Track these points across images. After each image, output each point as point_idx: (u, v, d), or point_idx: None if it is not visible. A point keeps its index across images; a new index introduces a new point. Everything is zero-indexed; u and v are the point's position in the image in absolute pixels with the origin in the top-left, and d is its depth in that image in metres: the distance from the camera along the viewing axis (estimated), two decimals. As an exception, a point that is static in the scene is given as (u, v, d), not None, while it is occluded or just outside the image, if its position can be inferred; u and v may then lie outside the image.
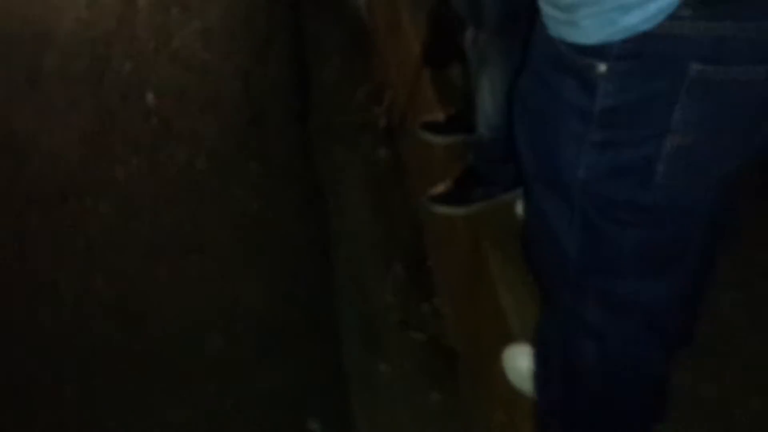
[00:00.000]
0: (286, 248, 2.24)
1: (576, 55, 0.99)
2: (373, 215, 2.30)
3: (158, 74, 2.92)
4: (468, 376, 1.74)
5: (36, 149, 2.62)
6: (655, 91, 0.96)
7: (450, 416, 1.67)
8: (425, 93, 2.40)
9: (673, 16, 0.91)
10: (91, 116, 2.74)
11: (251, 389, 1.84)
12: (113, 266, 2.21)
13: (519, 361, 1.51)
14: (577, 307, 1.16)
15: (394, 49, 2.77)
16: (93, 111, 2.76)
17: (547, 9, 1.03)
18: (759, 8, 0.91)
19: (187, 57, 3.02)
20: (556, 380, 1.26)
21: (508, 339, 1.56)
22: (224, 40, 3.11)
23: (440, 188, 2.08)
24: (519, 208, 1.88)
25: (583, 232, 1.08)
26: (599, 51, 0.96)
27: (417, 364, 1.80)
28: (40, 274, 2.19)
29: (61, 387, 1.88)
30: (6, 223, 2.35)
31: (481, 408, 1.65)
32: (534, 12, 1.16)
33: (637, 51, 0.94)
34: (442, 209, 2.05)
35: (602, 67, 0.97)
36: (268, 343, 1.95)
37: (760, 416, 1.38)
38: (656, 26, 0.92)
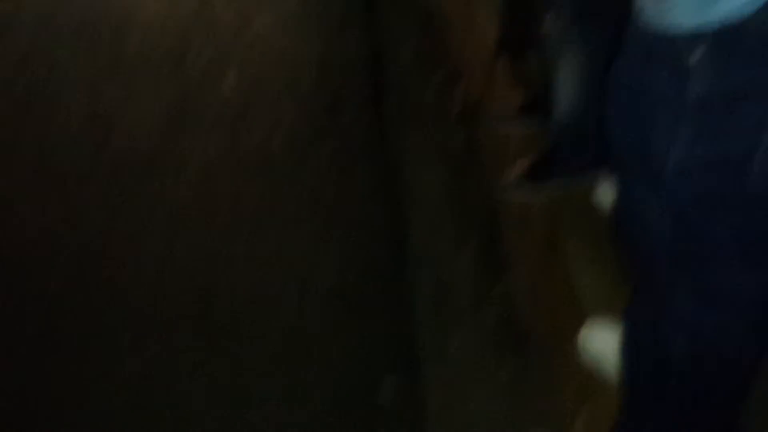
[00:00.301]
0: (361, 226, 2.27)
1: (670, 40, 0.96)
2: (448, 197, 2.32)
3: (237, 59, 3.00)
4: (540, 354, 1.75)
5: (120, 128, 2.72)
6: (752, 80, 0.92)
7: (520, 392, 1.67)
8: (501, 77, 2.40)
9: None
10: (172, 98, 2.83)
11: (324, 357, 1.88)
12: (192, 239, 2.28)
13: (597, 343, 1.51)
14: (667, 297, 1.14)
15: (470, 33, 2.77)
16: (174, 93, 2.85)
17: None
18: None
19: (265, 42, 3.08)
20: (643, 367, 1.24)
21: (583, 320, 1.56)
22: (301, 26, 3.17)
23: (516, 172, 2.08)
24: (598, 193, 1.87)
25: (675, 222, 1.05)
26: (694, 36, 0.93)
27: (488, 340, 1.81)
28: (122, 244, 2.28)
29: (141, 347, 1.95)
30: (91, 195, 2.45)
31: (551, 386, 1.65)
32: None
33: (733, 37, 0.90)
34: (519, 192, 2.05)
35: (697, 54, 0.93)
36: (341, 315, 1.98)
37: None
38: (755, 11, 0.88)
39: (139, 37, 3.16)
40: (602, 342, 1.49)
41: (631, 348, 1.30)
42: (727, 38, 0.91)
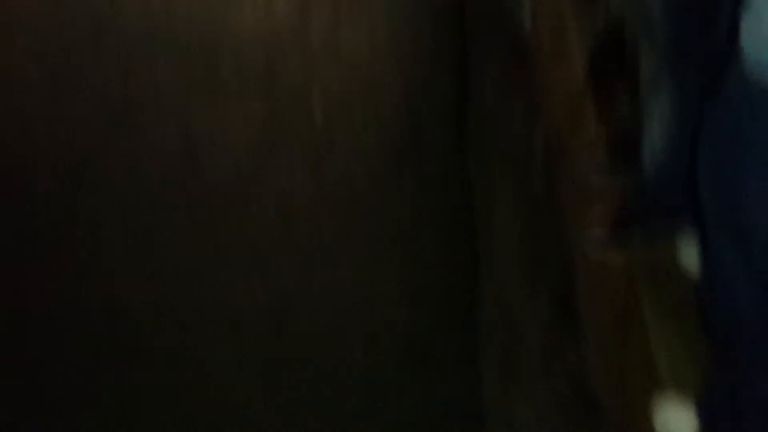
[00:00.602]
0: (436, 267, 2.28)
1: None
2: (523, 242, 2.28)
3: (326, 83, 3.03)
4: (610, 426, 1.69)
5: (210, 149, 2.79)
6: None
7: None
8: (587, 119, 2.34)
9: None
10: (262, 120, 2.88)
11: (390, 410, 1.89)
12: (271, 270, 2.33)
13: (671, 421, 1.45)
14: (749, 371, 1.10)
15: (557, 71, 2.71)
16: (264, 114, 2.89)
17: (748, 45, 0.96)
18: None
19: (354, 68, 3.11)
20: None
21: (659, 394, 1.50)
22: (391, 54, 3.17)
23: (596, 223, 2.02)
24: (683, 255, 1.79)
25: (763, 291, 1.02)
26: None
27: (557, 408, 1.77)
28: (204, 270, 2.35)
29: (212, 376, 2.02)
30: (177, 219, 2.52)
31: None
32: (717, 43, 1.09)
33: None
34: (597, 246, 1.99)
35: None
36: (409, 365, 2.00)
37: None
38: None
39: (233, 54, 3.23)
40: (677, 420, 1.43)
41: (707, 428, 1.25)
42: None
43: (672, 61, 1.77)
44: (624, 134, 2.16)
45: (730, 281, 1.06)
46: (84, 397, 2.00)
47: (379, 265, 2.32)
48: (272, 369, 2.04)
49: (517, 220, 2.35)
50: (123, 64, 3.10)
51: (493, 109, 2.77)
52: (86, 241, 2.45)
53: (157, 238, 2.46)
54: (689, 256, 1.76)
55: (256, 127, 2.84)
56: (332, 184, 2.61)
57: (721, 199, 1.06)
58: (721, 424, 1.19)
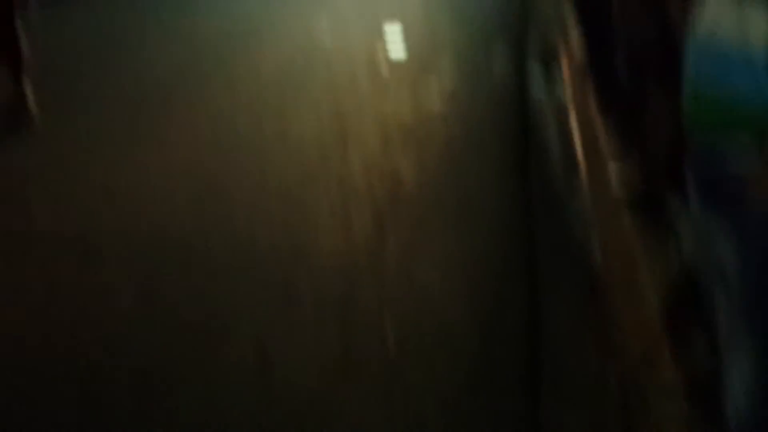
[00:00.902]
0: None
1: None
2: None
3: (399, 304, 3.11)
4: None
5: (282, 365, 2.84)
6: None
7: None
8: (664, 361, 2.31)
9: None
10: (336, 345, 2.93)
11: None
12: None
13: None
14: None
15: (630, 308, 2.72)
16: (338, 340, 2.95)
17: None
18: None
19: (425, 290, 3.19)
20: None
21: None
22: (462, 277, 3.27)
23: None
24: None
25: None
26: None
27: None
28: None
29: None
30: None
31: None
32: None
33: None
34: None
35: None
36: None
37: None
38: None
39: (310, 273, 3.35)
40: None
41: None
42: None
43: (749, 315, 1.76)
44: (704, 381, 2.12)
45: None
46: None
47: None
48: None
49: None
50: (204, 284, 3.27)
51: (565, 342, 2.77)
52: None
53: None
54: None
55: (329, 352, 2.89)
56: (404, 415, 2.59)
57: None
58: None
